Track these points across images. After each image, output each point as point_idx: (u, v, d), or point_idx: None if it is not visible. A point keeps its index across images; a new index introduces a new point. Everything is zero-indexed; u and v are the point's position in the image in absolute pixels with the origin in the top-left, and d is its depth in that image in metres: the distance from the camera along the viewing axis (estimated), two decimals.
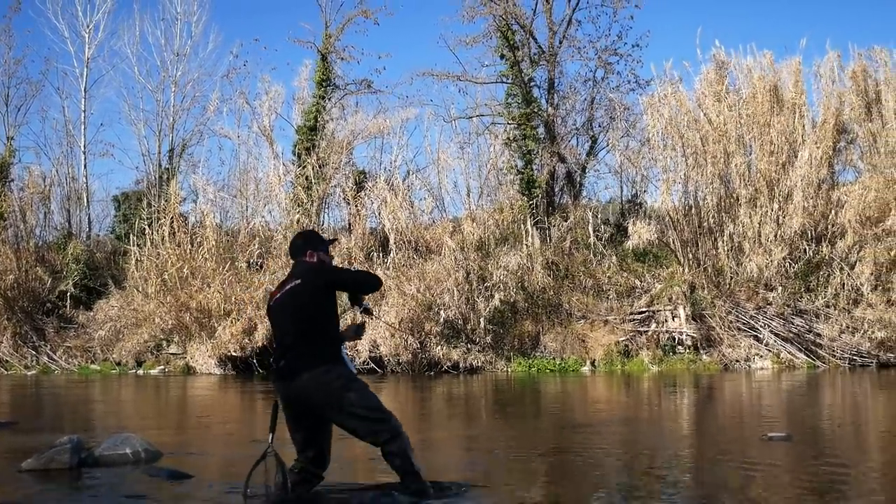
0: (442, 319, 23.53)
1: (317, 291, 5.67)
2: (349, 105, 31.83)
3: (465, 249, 24.80)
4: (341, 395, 5.50)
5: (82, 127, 35.94)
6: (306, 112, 30.91)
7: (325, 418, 5.74)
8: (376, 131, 31.37)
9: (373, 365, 23.15)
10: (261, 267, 26.41)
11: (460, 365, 23.06)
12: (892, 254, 22.96)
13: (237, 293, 24.84)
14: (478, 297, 23.84)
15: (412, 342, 23.13)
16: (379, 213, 27.45)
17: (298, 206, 28.29)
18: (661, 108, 25.93)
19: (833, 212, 24.26)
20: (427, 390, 18.87)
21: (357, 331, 5.92)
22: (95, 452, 8.54)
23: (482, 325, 23.52)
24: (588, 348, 23.75)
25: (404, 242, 26.08)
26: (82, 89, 36.46)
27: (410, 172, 31.04)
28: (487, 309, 23.67)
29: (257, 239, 27.54)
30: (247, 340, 23.92)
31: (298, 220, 27.57)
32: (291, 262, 6.17)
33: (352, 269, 6.33)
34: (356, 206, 27.57)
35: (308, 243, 6.01)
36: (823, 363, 22.64)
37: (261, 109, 31.80)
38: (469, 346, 23.56)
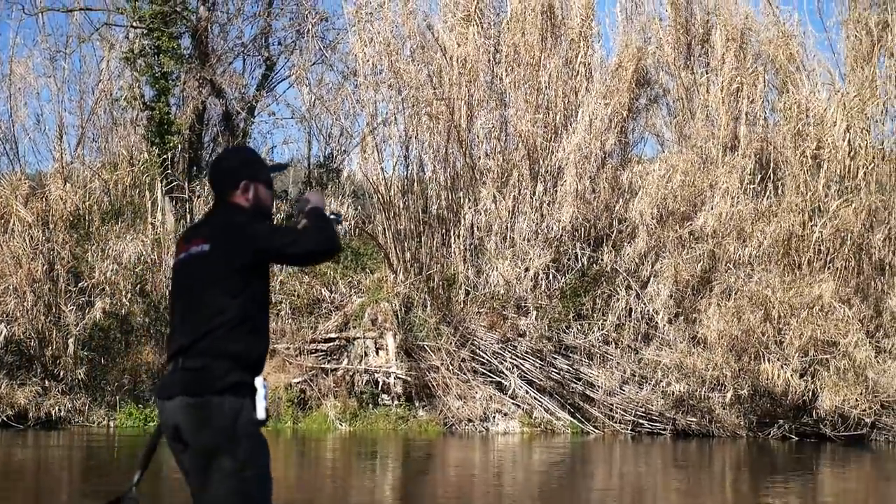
0: (2, 339, 22.56)
1: (236, 271, 5.59)
2: None
3: (50, 226, 23.90)
4: (216, 456, 5.43)
5: None
6: None
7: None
8: None
9: None
10: None
11: (30, 414, 22.14)
12: (700, 267, 23.66)
13: None
14: (66, 305, 23.08)
15: None
16: None
17: None
18: (377, 24, 25.76)
19: (621, 201, 24.83)
20: None
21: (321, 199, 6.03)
22: None
23: (71, 350, 22.69)
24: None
25: None
26: None
27: None
28: (82, 325, 22.90)
29: None
30: None
31: None
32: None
33: (300, 229, 5.77)
34: None
35: (242, 167, 5.92)
36: (596, 428, 23.18)
37: None
38: (47, 383, 22.69)
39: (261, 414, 5.55)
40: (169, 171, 27.36)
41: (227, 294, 5.55)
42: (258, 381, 5.60)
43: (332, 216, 5.96)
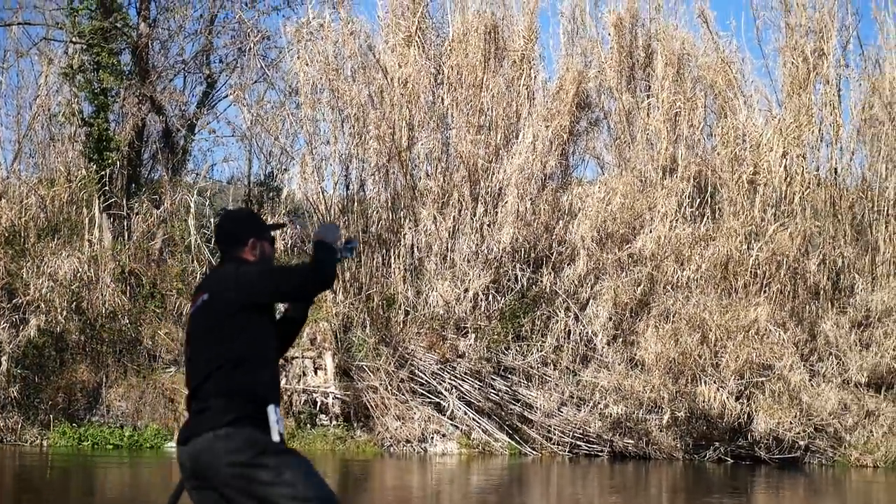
0: None
1: (229, 316, 5.76)
2: None
3: None
4: (249, 473, 5.51)
5: None
6: None
7: None
8: None
9: None
10: None
11: None
12: (639, 290, 23.79)
13: None
14: (0, 323, 22.87)
15: None
16: None
17: None
18: (318, 44, 25.81)
19: (561, 223, 24.95)
20: None
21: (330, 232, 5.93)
22: None
23: (5, 368, 22.54)
24: (180, 413, 23.11)
25: None
26: None
27: None
28: (15, 342, 22.70)
29: None
30: None
31: None
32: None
33: (291, 266, 6.11)
34: None
35: (247, 228, 6.13)
36: (534, 450, 23.20)
37: None
38: None
39: (274, 437, 5.65)
40: (107, 188, 26.97)
41: (223, 339, 5.70)
42: (270, 409, 5.70)
43: (344, 245, 6.04)
